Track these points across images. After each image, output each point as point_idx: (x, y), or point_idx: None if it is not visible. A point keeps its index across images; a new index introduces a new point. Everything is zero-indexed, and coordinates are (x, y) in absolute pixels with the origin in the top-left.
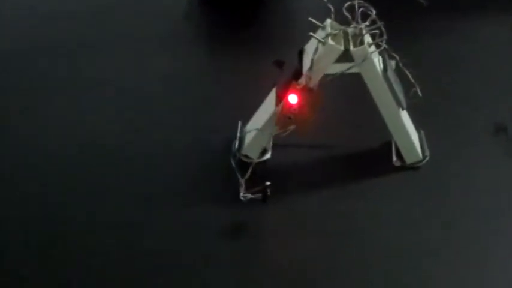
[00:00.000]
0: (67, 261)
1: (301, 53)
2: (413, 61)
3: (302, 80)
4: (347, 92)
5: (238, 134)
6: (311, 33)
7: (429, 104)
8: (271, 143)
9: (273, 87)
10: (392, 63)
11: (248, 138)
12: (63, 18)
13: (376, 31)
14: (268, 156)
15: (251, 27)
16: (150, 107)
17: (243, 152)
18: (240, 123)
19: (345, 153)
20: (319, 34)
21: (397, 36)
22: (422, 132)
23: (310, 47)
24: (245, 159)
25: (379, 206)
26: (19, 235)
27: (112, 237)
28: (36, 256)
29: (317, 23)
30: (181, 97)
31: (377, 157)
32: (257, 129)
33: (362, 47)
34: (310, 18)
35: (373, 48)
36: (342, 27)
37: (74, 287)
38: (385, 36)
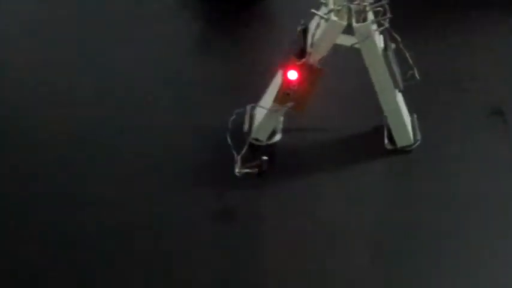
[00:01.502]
0: (68, 258)
1: (304, 31)
2: (415, 45)
3: (305, 57)
4: (340, 74)
5: (247, 117)
6: (313, 10)
7: (424, 88)
8: (281, 125)
9: (279, 67)
10: (392, 45)
11: (257, 121)
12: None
13: (380, 9)
14: (278, 138)
15: (252, 8)
16: (149, 91)
17: (253, 135)
18: (248, 107)
19: (336, 136)
20: (322, 10)
21: (402, 19)
22: (414, 115)
23: (313, 24)
24: (255, 142)
25: (369, 188)
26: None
27: (107, 216)
28: (36, 254)
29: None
30: (173, 81)
31: (369, 140)
32: (265, 108)
33: (365, 23)
34: None
35: (375, 26)
36: (345, 3)
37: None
38: (388, 15)
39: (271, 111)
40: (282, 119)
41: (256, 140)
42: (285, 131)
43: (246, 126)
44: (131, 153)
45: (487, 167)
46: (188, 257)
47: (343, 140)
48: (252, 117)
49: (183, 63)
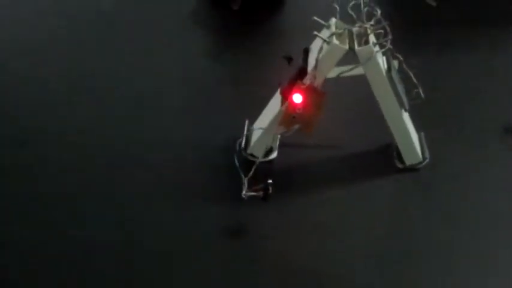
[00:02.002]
0: (68, 260)
1: (306, 52)
2: (418, 64)
3: (307, 80)
4: (348, 93)
5: (244, 133)
6: (315, 33)
7: (434, 106)
8: (277, 142)
9: (279, 86)
10: (395, 63)
11: (254, 137)
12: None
13: (381, 31)
14: (274, 155)
15: (259, 25)
16: (156, 105)
17: (249, 150)
18: (247, 122)
19: (346, 154)
20: (324, 33)
21: (403, 39)
22: (422, 134)
23: (315, 46)
24: (251, 158)
25: (379, 206)
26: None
27: (113, 235)
28: (37, 253)
29: (322, 22)
30: (188, 95)
31: (378, 158)
32: (262, 128)
33: (367, 46)
34: (314, 17)
35: (377, 48)
36: (347, 27)
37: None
38: (390, 36)
39: (269, 130)
40: (278, 137)
41: (252, 155)
42: (296, 148)
43: (242, 142)
44: (138, 168)
45: (497, 184)
46: (190, 275)
47: (352, 159)
48: (249, 134)
49: (196, 78)
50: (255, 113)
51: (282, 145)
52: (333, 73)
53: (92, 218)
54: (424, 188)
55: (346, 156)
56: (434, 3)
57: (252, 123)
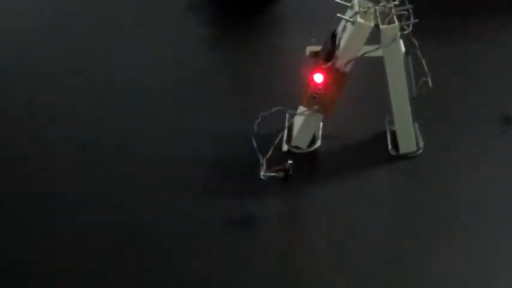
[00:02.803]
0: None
1: (334, 36)
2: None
3: (333, 61)
4: None
5: (286, 125)
6: (339, 14)
7: (430, 95)
8: (320, 131)
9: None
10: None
11: (295, 128)
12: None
13: (404, 13)
14: (318, 144)
15: (256, 14)
16: (165, 92)
17: (293, 143)
18: (287, 115)
19: (338, 142)
20: (348, 14)
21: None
22: (416, 124)
23: (340, 29)
24: (295, 150)
25: (373, 194)
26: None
27: (123, 219)
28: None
29: (344, 2)
30: (186, 86)
31: (371, 146)
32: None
33: (393, 25)
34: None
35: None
36: (371, 5)
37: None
38: (412, 19)
39: (310, 117)
40: (321, 124)
41: (297, 147)
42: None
43: (285, 135)
44: (150, 156)
45: (493, 174)
46: (205, 260)
47: (345, 146)
48: (290, 125)
49: (198, 65)
50: (258, 100)
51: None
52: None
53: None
54: (421, 178)
55: (341, 144)
56: None
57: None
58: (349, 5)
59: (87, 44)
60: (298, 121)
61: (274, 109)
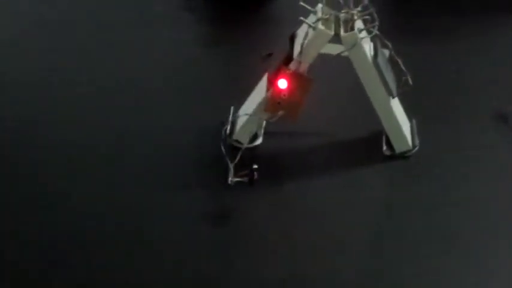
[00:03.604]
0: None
1: (292, 38)
2: (411, 52)
3: (292, 65)
4: (338, 79)
5: (229, 119)
6: (301, 18)
7: (425, 94)
8: (262, 129)
9: (265, 72)
10: (386, 52)
11: (239, 124)
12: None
13: (368, 17)
14: (259, 141)
15: (252, 13)
16: (146, 92)
17: (234, 137)
18: (232, 108)
19: (334, 141)
20: (310, 19)
21: (395, 27)
22: (414, 121)
23: (301, 32)
24: (236, 144)
25: (366, 194)
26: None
27: (102, 219)
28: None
29: (308, 7)
30: (175, 83)
31: (367, 146)
32: (248, 114)
33: (352, 32)
34: (301, 3)
35: (364, 34)
36: (333, 12)
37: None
38: (376, 23)
39: (253, 116)
40: (264, 123)
41: (238, 141)
42: (284, 135)
43: (228, 128)
44: (128, 154)
45: (489, 171)
46: (178, 259)
47: (340, 145)
48: (234, 120)
49: (185, 65)
50: (243, 101)
51: (269, 132)
52: (332, 50)
53: (81, 203)
54: (414, 176)
55: (334, 143)
56: None
57: (238, 109)
58: (313, 10)
59: (85, 43)
60: (242, 117)
61: (242, 113)
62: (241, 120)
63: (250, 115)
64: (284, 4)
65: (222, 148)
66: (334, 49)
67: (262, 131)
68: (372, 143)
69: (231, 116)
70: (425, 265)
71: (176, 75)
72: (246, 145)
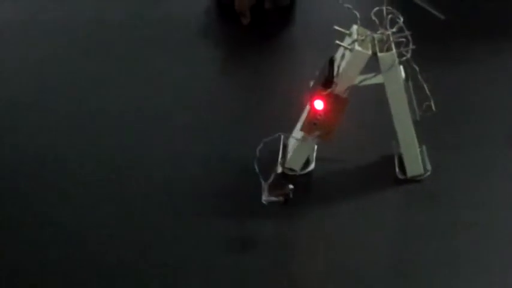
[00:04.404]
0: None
1: (332, 62)
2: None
3: (331, 88)
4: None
5: (281, 146)
6: (337, 41)
7: (436, 118)
8: (314, 153)
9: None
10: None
11: (290, 151)
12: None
13: (403, 39)
14: (311, 167)
15: (269, 39)
16: (166, 121)
17: (287, 165)
18: (282, 136)
19: (346, 165)
20: (346, 41)
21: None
22: (424, 147)
23: (339, 55)
24: (289, 172)
25: (383, 218)
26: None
27: (124, 246)
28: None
29: (343, 30)
30: (197, 112)
31: (379, 169)
32: (297, 138)
33: (390, 52)
34: (335, 27)
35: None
36: (369, 33)
37: None
38: (411, 46)
39: (304, 141)
40: (315, 147)
41: (291, 169)
42: None
43: (279, 157)
44: (151, 180)
45: (501, 196)
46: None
47: (353, 169)
48: (285, 147)
49: (206, 90)
50: (265, 126)
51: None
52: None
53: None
54: (428, 199)
55: (347, 167)
56: (442, 17)
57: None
58: (348, 32)
59: (98, 66)
60: (292, 144)
61: (276, 135)
62: (291, 147)
63: (299, 140)
64: (301, 29)
65: (256, 168)
66: (365, 76)
67: (314, 156)
68: (383, 167)
69: (281, 143)
70: (446, 286)
71: (197, 100)
72: (299, 172)
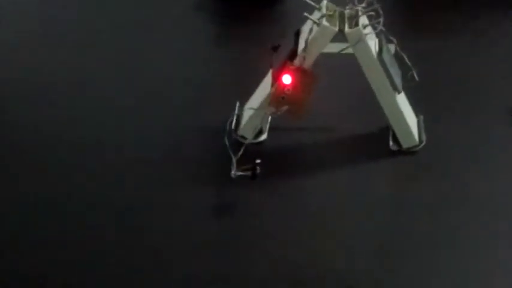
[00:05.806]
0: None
1: (297, 34)
2: (420, 47)
3: (297, 61)
4: (345, 75)
5: (235, 114)
6: (306, 14)
7: (435, 89)
8: (267, 124)
9: (270, 68)
10: (392, 47)
11: (244, 119)
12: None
13: (373, 13)
14: (264, 137)
15: (262, 11)
16: (157, 91)
17: (239, 132)
18: (237, 104)
19: (340, 137)
20: (315, 15)
21: (403, 22)
22: (421, 117)
23: (306, 28)
24: (241, 140)
25: (372, 188)
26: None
27: (104, 217)
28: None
29: (312, 3)
30: (188, 82)
31: (374, 141)
32: (253, 108)
33: (356, 28)
34: None
35: (369, 30)
36: (338, 8)
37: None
38: (381, 18)
39: (258, 111)
40: (269, 118)
41: (242, 137)
42: (289, 131)
43: (233, 124)
44: (132, 148)
45: (497, 167)
46: (184, 253)
47: (347, 141)
48: (239, 116)
49: (196, 64)
50: (249, 97)
51: (274, 128)
52: (334, 48)
53: (86, 198)
54: (423, 171)
55: (340, 139)
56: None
57: (243, 104)
58: (317, 6)
59: (97, 42)
60: (247, 112)
61: (248, 108)
62: (246, 115)
63: (255, 109)
64: (294, 2)
65: (226, 142)
66: (336, 47)
67: (268, 127)
68: (379, 139)
69: (236, 110)
70: (433, 263)
71: (186, 73)
72: (250, 140)
